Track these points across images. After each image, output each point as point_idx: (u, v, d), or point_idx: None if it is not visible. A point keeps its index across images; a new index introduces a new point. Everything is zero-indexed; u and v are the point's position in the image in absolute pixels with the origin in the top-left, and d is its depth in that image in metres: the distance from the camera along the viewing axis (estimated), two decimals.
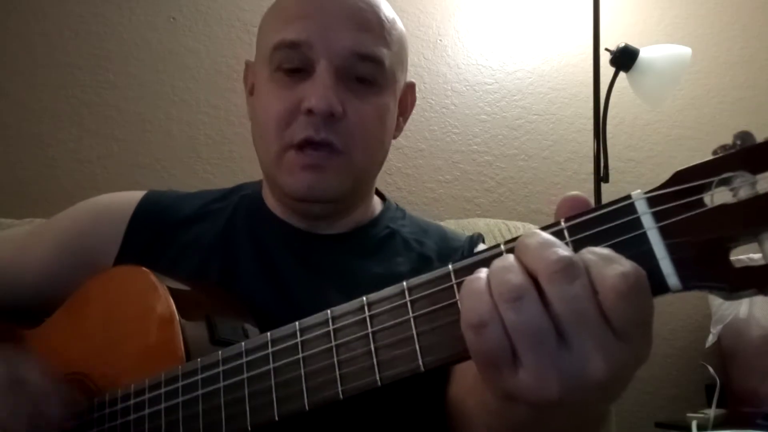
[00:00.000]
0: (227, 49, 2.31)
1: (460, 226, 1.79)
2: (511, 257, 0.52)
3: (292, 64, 0.98)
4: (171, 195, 1.15)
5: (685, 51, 2.14)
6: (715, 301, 2.27)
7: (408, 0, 2.49)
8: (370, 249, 1.07)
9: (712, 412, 2.05)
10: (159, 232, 1.08)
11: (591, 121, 2.26)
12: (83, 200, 1.15)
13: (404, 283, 0.61)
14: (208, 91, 2.29)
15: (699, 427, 1.86)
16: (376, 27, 1.00)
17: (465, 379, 0.86)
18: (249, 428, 0.68)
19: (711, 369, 2.04)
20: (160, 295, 0.87)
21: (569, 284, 0.48)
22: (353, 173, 1.01)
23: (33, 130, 2.16)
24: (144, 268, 0.91)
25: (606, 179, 2.17)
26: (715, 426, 2.00)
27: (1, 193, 2.08)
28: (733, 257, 0.48)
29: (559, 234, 0.53)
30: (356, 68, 0.98)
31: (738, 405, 2.16)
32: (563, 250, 0.49)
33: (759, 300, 2.14)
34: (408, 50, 1.10)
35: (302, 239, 1.07)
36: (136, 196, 1.13)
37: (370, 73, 0.99)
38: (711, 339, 2.26)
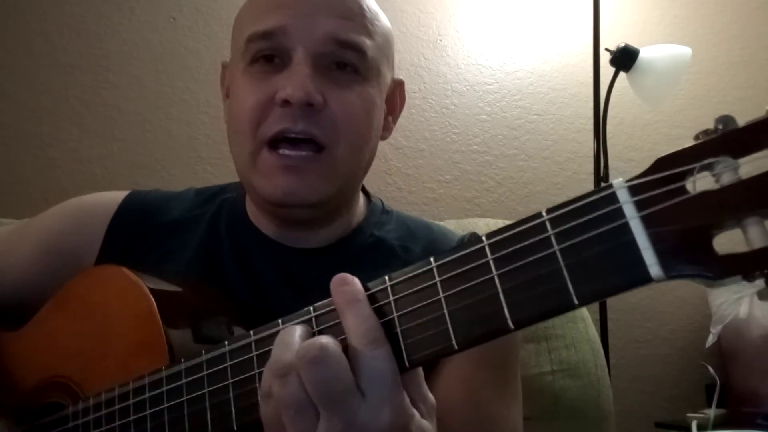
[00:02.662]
0: (227, 49, 2.29)
1: (460, 226, 1.78)
2: (296, 333, 0.62)
3: (266, 53, 0.92)
4: (154, 196, 1.13)
5: (685, 51, 2.14)
6: (716, 301, 2.27)
7: (408, 0, 2.48)
8: (355, 262, 1.01)
9: (712, 412, 2.04)
10: (141, 235, 1.06)
11: (591, 121, 2.26)
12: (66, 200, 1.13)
13: (386, 279, 0.63)
14: (208, 91, 2.28)
15: (699, 427, 1.85)
16: (357, 15, 0.94)
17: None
18: (235, 428, 0.68)
19: (711, 369, 2.02)
20: (142, 293, 0.86)
21: (281, 380, 0.59)
22: (337, 175, 0.94)
23: (33, 130, 2.16)
24: (124, 268, 0.90)
25: (606, 179, 2.16)
26: (715, 426, 1.99)
27: (1, 193, 2.08)
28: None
29: (540, 226, 0.54)
30: (336, 55, 0.92)
31: (738, 405, 2.16)
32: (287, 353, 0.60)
33: (759, 300, 2.13)
34: (394, 47, 1.05)
35: (286, 254, 1.02)
36: (118, 196, 1.10)
37: (351, 61, 0.93)
38: (711, 339, 2.25)
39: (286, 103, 0.89)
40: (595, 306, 2.16)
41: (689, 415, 2.12)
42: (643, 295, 2.51)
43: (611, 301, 2.26)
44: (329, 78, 0.92)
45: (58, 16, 2.22)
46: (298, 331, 0.62)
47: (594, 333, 1.78)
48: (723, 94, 2.65)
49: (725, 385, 2.18)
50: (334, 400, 0.57)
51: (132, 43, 2.27)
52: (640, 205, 0.49)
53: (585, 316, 1.78)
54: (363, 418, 0.57)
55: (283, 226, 1.02)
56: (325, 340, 0.58)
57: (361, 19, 0.95)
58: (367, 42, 0.94)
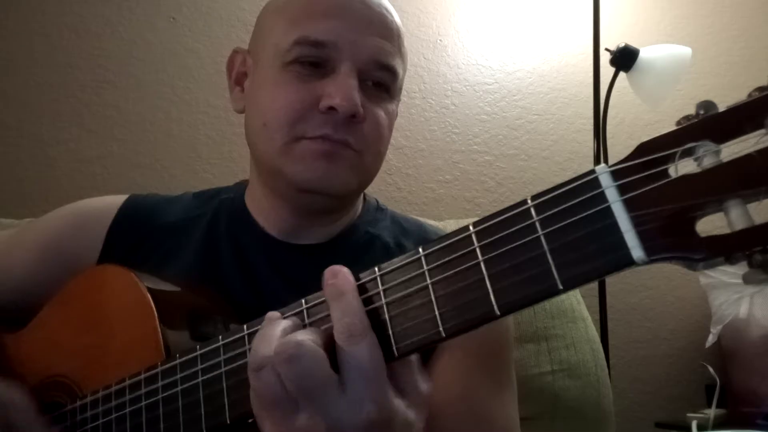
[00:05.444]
0: (227, 49, 2.27)
1: (459, 226, 1.78)
2: (278, 327, 0.63)
3: (312, 60, 0.95)
4: (152, 200, 1.14)
5: (685, 51, 2.14)
6: (716, 301, 2.27)
7: (408, 0, 2.49)
8: (350, 258, 0.99)
9: (712, 412, 2.04)
10: (141, 238, 1.08)
11: (591, 121, 2.27)
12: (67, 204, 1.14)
13: (376, 269, 0.63)
14: (208, 91, 2.29)
15: (699, 427, 1.85)
16: (395, 37, 0.99)
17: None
18: (228, 422, 0.69)
19: (711, 369, 2.02)
20: (140, 292, 0.87)
21: (256, 374, 0.60)
22: (361, 173, 0.99)
23: (33, 130, 2.16)
24: (123, 268, 0.91)
25: None
26: (715, 426, 1.99)
27: (1, 193, 2.08)
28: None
29: (525, 213, 0.54)
30: (374, 75, 0.97)
31: (738, 405, 2.16)
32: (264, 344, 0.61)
33: (759, 300, 2.14)
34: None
35: (282, 250, 1.04)
36: (118, 200, 1.12)
37: (385, 81, 0.98)
38: (711, 339, 2.25)
39: (331, 109, 0.92)
40: (595, 306, 2.16)
41: (689, 415, 2.12)
42: (643, 295, 2.51)
43: (611, 301, 2.27)
44: (366, 93, 0.96)
45: (58, 16, 2.22)
46: (281, 325, 0.64)
47: (594, 333, 1.78)
48: (723, 94, 2.64)
49: (725, 385, 2.18)
50: (312, 395, 0.58)
51: (132, 43, 2.27)
52: (622, 189, 0.50)
53: (585, 316, 1.78)
54: (342, 413, 0.58)
55: (289, 217, 1.04)
56: (302, 336, 0.60)
57: (397, 41, 1.00)
58: (400, 63, 1.00)
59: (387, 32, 0.98)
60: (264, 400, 0.60)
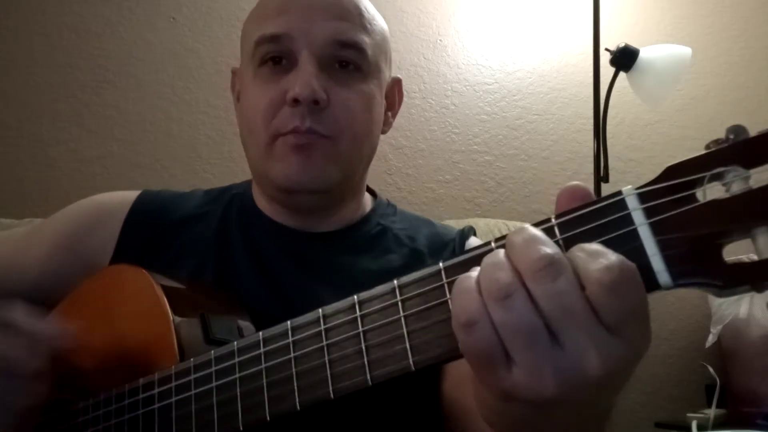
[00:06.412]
0: (227, 49, 2.31)
1: (460, 226, 1.78)
2: (501, 254, 0.51)
3: (273, 55, 0.98)
4: (165, 195, 1.15)
5: (685, 51, 2.14)
6: (715, 301, 2.27)
7: (408, 0, 2.48)
8: (362, 246, 1.07)
9: (712, 412, 2.04)
10: (154, 233, 1.08)
11: (591, 121, 2.27)
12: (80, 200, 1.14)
13: (395, 282, 0.60)
14: (208, 91, 2.29)
15: (699, 427, 1.85)
16: (355, 17, 1.01)
17: (461, 375, 0.86)
18: (241, 428, 0.68)
19: (711, 369, 2.03)
20: (155, 294, 0.86)
21: (552, 281, 0.47)
22: (340, 160, 1.00)
23: (33, 130, 2.16)
24: (139, 268, 0.91)
25: (606, 179, 2.17)
26: (715, 426, 2.00)
27: (1, 193, 2.08)
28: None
29: (549, 231, 0.52)
30: (338, 55, 0.98)
31: (738, 405, 2.16)
32: (547, 248, 0.48)
33: (759, 300, 2.14)
34: (390, 47, 1.11)
35: (294, 238, 1.06)
36: (131, 195, 1.13)
37: (352, 59, 0.99)
38: (711, 339, 2.25)
39: (295, 101, 0.95)
40: None
41: (689, 415, 2.11)
42: None
43: None
44: (332, 77, 0.98)
45: (57, 16, 2.22)
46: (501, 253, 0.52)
47: None
48: (723, 94, 2.65)
49: (725, 385, 2.18)
50: (576, 318, 0.47)
51: (132, 43, 2.27)
52: (649, 212, 0.49)
53: None
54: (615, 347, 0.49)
55: (293, 214, 1.06)
56: (550, 249, 0.49)
57: (360, 20, 1.01)
58: (366, 40, 1.01)
59: (343, 13, 1.00)
60: (518, 335, 0.49)
